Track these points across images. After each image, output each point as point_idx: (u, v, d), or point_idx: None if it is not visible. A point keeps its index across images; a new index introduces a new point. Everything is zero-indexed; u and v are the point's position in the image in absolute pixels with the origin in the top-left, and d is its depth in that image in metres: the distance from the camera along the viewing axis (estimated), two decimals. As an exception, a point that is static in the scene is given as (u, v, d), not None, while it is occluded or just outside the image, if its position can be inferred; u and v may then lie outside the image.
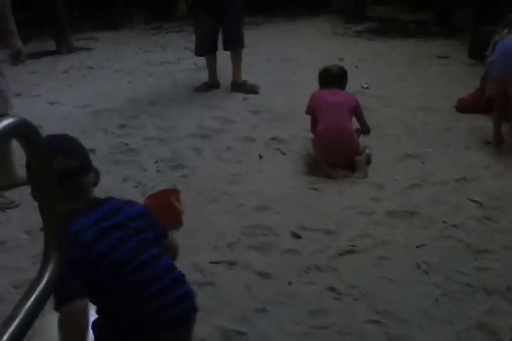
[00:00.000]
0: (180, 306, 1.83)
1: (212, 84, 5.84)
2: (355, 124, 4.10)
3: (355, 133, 4.02)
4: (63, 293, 1.62)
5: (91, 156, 4.45)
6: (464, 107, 4.94)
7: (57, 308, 1.66)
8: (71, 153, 1.83)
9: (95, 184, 1.91)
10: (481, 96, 4.82)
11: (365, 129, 4.18)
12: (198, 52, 5.75)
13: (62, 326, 1.67)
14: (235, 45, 5.59)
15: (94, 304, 1.81)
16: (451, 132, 4.57)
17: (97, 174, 1.92)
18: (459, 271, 2.77)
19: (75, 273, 1.65)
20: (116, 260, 1.74)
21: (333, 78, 4.19)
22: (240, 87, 5.68)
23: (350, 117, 3.99)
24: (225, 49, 5.66)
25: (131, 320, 1.78)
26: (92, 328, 1.81)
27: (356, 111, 4.06)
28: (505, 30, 4.35)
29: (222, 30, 5.54)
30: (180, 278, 1.88)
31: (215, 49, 5.62)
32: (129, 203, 1.92)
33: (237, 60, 5.68)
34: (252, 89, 5.64)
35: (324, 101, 4.02)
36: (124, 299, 1.76)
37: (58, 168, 1.61)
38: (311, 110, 4.10)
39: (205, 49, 5.62)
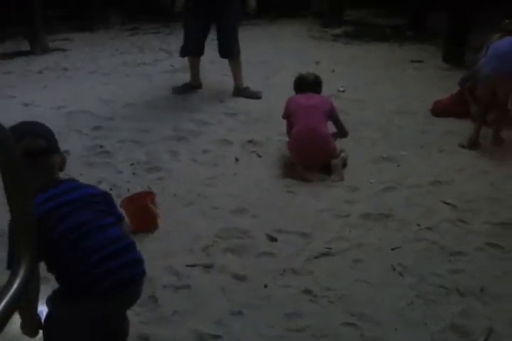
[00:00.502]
0: (127, 271, 1.91)
1: (194, 86, 5.79)
2: (331, 128, 4.12)
3: (331, 137, 4.03)
4: (11, 258, 1.73)
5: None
6: (439, 110, 5.00)
7: (7, 269, 1.72)
8: (39, 134, 1.94)
9: (61, 168, 2.03)
10: (458, 100, 4.89)
11: (342, 132, 4.20)
12: (183, 53, 5.67)
13: None
14: (232, 52, 5.51)
15: (50, 272, 1.90)
16: (426, 135, 4.62)
17: (64, 159, 2.04)
18: (433, 272, 2.81)
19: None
20: (64, 228, 1.82)
21: (308, 85, 4.24)
22: (242, 92, 5.63)
23: (325, 120, 4.01)
24: (223, 57, 5.59)
25: (81, 286, 1.84)
26: (46, 303, 1.91)
27: (332, 115, 4.08)
28: (498, 35, 4.45)
29: (218, 37, 5.50)
30: (130, 246, 1.97)
31: (201, 52, 5.57)
32: (91, 186, 2.09)
33: (236, 66, 5.62)
34: (255, 95, 5.59)
35: (299, 105, 4.04)
36: (73, 266, 1.83)
37: (26, 147, 1.80)
38: (287, 115, 4.12)
39: (191, 51, 5.57)
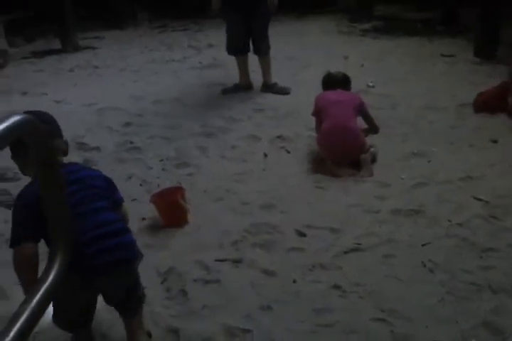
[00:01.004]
0: (114, 254, 2.06)
1: (244, 86, 5.75)
2: (362, 124, 4.10)
3: (361, 132, 4.01)
4: (15, 236, 2.00)
5: (96, 154, 4.50)
6: (481, 104, 4.89)
7: (10, 247, 2.00)
8: (43, 119, 2.03)
9: (65, 153, 2.24)
10: (503, 93, 4.79)
11: (373, 128, 4.18)
12: (230, 51, 5.67)
13: (14, 263, 1.99)
14: (263, 48, 5.55)
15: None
16: (457, 131, 4.56)
17: (67, 145, 2.27)
18: (464, 269, 2.77)
19: (28, 219, 1.97)
20: None
21: (336, 83, 4.26)
22: (270, 88, 5.65)
23: (355, 115, 3.99)
24: (254, 53, 5.62)
25: (72, 266, 1.87)
26: None
27: (361, 110, 4.06)
28: None
29: (251, 35, 5.51)
30: (120, 230, 2.13)
31: (247, 49, 5.58)
32: (94, 169, 2.34)
33: (265, 62, 5.64)
34: (283, 91, 5.60)
35: (328, 101, 4.04)
36: None
37: None
38: (317, 111, 4.11)
39: (237, 49, 5.58)
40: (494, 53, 6.59)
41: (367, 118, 4.13)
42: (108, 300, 2.26)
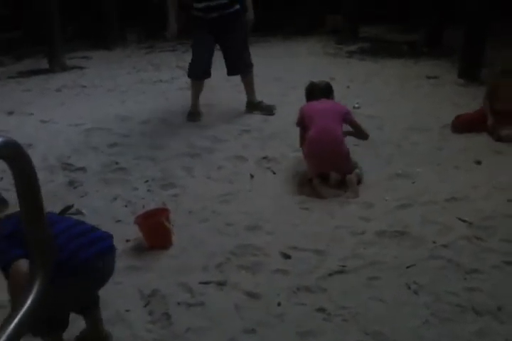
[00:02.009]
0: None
1: (193, 113, 5.57)
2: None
3: (344, 139, 4.03)
4: (4, 260, 2.14)
5: (81, 175, 4.46)
6: (460, 125, 4.96)
7: (4, 270, 2.14)
8: None
9: None
10: (480, 118, 4.85)
11: (361, 134, 4.20)
12: (193, 75, 5.54)
13: (11, 284, 2.12)
14: (243, 69, 5.47)
15: None
16: (441, 152, 4.60)
17: None
18: (449, 291, 2.77)
19: (12, 246, 2.12)
20: None
21: (320, 91, 4.28)
22: (255, 107, 5.62)
23: (340, 123, 4.03)
24: (231, 74, 5.55)
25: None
26: None
27: (346, 118, 4.09)
28: None
29: (227, 55, 5.43)
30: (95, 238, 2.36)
31: (209, 74, 5.46)
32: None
33: (249, 81, 5.58)
34: (269, 110, 5.55)
35: (314, 110, 4.07)
36: None
37: None
38: (301, 121, 4.13)
39: (201, 72, 5.46)
40: (478, 75, 6.68)
41: (353, 125, 4.15)
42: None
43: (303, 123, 4.13)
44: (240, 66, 5.46)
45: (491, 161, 4.37)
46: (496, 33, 6.75)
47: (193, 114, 5.56)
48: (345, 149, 3.99)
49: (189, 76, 5.62)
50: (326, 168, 3.97)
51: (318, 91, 4.30)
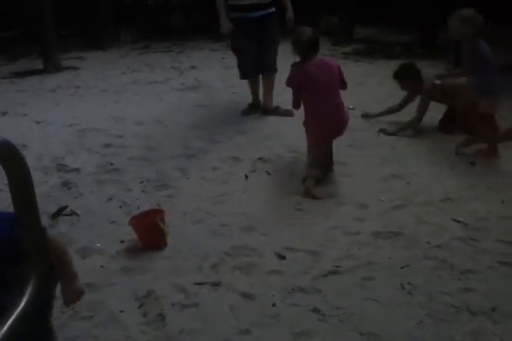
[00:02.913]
0: None
1: (254, 105, 5.78)
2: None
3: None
4: None
5: (76, 176, 4.45)
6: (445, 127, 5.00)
7: None
8: None
9: None
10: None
11: (344, 85, 4.20)
12: (246, 76, 5.68)
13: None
14: (271, 70, 5.59)
15: None
16: (436, 153, 4.61)
17: None
18: (443, 291, 2.77)
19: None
20: None
21: (312, 45, 4.00)
22: (272, 112, 5.64)
23: (340, 90, 4.12)
24: (261, 71, 5.64)
25: None
26: None
27: (341, 78, 4.12)
28: None
29: (261, 54, 5.53)
30: None
31: (259, 70, 5.59)
32: None
33: (270, 85, 5.65)
34: (286, 114, 5.44)
35: (315, 80, 3.94)
36: None
37: None
38: (299, 86, 4.02)
39: (252, 71, 5.60)
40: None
41: (342, 78, 4.15)
42: None
43: (300, 89, 4.03)
44: (266, 66, 5.56)
45: (485, 162, 4.38)
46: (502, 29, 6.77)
47: (253, 105, 5.76)
48: (347, 117, 4.20)
49: (242, 78, 5.73)
50: (334, 136, 4.20)
51: (311, 44, 3.98)
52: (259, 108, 5.75)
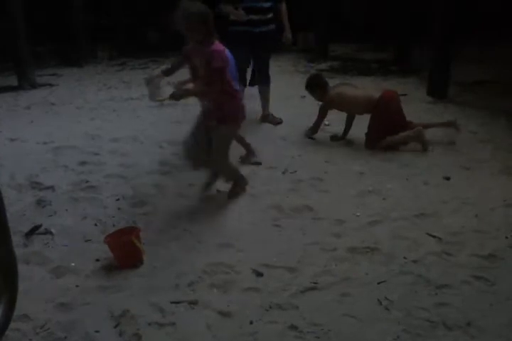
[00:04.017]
0: None
1: None
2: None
3: None
4: None
5: (50, 194, 4.40)
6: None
7: None
8: None
9: None
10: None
11: None
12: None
13: None
14: (267, 82, 5.91)
15: None
16: (411, 168, 4.66)
17: None
18: (419, 306, 2.78)
19: None
20: None
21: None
22: (268, 118, 5.99)
23: None
24: (252, 84, 5.96)
25: None
26: None
27: None
28: None
29: (255, 65, 5.86)
30: None
31: (244, 84, 5.79)
32: None
33: (267, 96, 5.98)
34: (278, 121, 5.97)
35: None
36: None
37: None
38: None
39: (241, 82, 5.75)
40: (446, 93, 6.83)
41: None
42: None
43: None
44: (263, 79, 5.90)
45: (459, 177, 4.44)
46: (460, 48, 6.93)
47: None
48: None
49: None
50: None
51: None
52: None
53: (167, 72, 3.85)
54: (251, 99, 5.90)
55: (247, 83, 5.91)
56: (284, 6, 5.73)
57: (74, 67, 9.63)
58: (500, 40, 9.35)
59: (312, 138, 5.40)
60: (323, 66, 9.09)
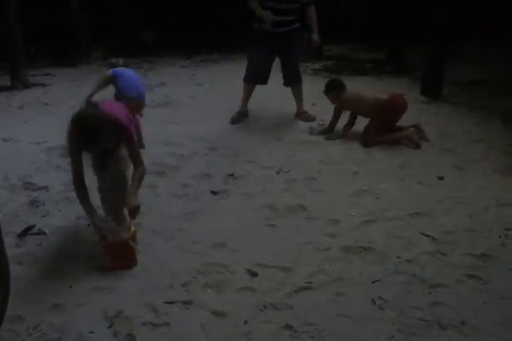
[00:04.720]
0: None
1: (242, 112, 6.06)
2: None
3: None
4: None
5: (44, 194, 4.37)
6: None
7: None
8: None
9: None
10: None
11: None
12: (248, 80, 5.99)
13: None
14: (297, 81, 6.01)
15: None
16: (405, 168, 4.67)
17: None
18: (414, 306, 2.79)
19: None
20: None
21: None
22: (302, 116, 6.06)
23: None
24: (287, 85, 6.03)
25: None
26: None
27: None
28: None
29: (286, 67, 5.91)
30: None
31: (263, 81, 5.91)
32: None
33: (299, 94, 6.08)
34: (312, 118, 6.00)
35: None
36: None
37: None
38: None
39: (256, 78, 5.92)
40: (440, 92, 6.84)
41: None
42: None
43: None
44: (292, 79, 5.99)
45: (453, 177, 4.46)
46: (460, 48, 6.95)
47: (240, 113, 6.05)
48: None
49: (244, 81, 6.01)
50: None
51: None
52: (246, 115, 6.08)
53: None
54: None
55: (267, 81, 5.95)
56: (312, 9, 5.71)
57: (67, 67, 9.59)
58: (500, 40, 9.37)
59: (332, 139, 5.38)
60: (317, 66, 9.09)
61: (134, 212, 3.26)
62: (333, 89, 5.57)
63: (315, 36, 5.79)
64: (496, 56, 8.81)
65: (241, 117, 6.03)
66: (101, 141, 3.08)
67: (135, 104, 4.87)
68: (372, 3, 10.73)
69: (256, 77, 5.90)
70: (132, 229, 3.32)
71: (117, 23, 11.01)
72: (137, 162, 3.35)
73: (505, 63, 8.06)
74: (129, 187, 3.32)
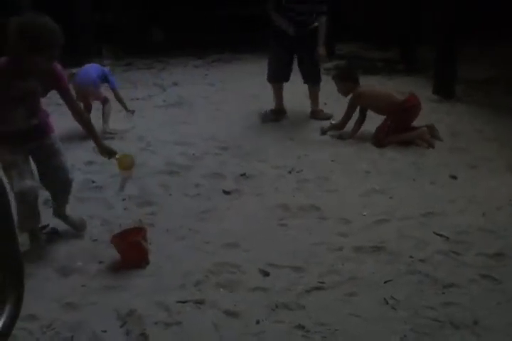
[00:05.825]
0: None
1: (277, 111, 6.15)
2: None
3: None
4: None
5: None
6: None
7: None
8: None
9: None
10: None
11: None
12: (269, 79, 6.12)
13: None
14: (314, 81, 6.05)
15: None
16: (418, 167, 4.65)
17: None
18: (426, 305, 2.78)
19: None
20: None
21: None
22: (318, 114, 6.11)
23: None
24: (307, 82, 6.08)
25: None
26: None
27: None
28: None
29: (302, 64, 5.95)
30: None
31: (284, 79, 5.99)
32: None
33: (315, 94, 6.12)
34: (328, 116, 6.01)
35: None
36: None
37: None
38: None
39: (276, 78, 6.03)
40: (452, 91, 6.80)
41: None
42: None
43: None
44: (310, 78, 6.04)
45: (466, 176, 4.43)
46: (460, 48, 6.89)
47: (277, 111, 6.15)
48: None
49: (268, 80, 6.15)
50: None
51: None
52: (282, 113, 6.16)
53: None
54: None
55: (289, 78, 6.01)
56: (323, 20, 5.73)
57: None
58: (500, 40, 9.30)
59: (344, 139, 5.37)
60: (328, 65, 9.05)
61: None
62: (347, 80, 5.51)
63: (321, 50, 5.79)
64: (496, 56, 8.74)
65: (276, 115, 6.09)
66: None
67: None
68: (381, 2, 10.67)
69: (277, 75, 5.99)
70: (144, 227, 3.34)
71: (124, 21, 11.05)
72: (77, 108, 3.65)
73: (507, 63, 7.99)
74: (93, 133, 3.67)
